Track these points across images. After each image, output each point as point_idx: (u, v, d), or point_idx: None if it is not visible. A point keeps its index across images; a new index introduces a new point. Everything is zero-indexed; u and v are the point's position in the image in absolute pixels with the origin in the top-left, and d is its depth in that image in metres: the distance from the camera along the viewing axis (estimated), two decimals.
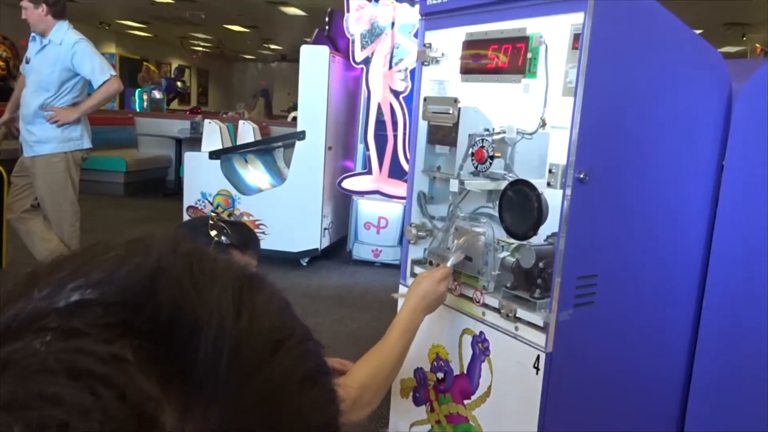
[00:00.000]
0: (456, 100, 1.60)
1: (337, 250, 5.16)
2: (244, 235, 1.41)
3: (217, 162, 4.75)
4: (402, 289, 1.74)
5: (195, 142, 6.62)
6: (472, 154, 1.57)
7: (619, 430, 1.58)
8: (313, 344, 0.35)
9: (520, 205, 1.42)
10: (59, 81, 3.51)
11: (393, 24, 4.47)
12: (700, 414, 1.61)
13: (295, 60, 4.68)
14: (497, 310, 1.48)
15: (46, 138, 3.53)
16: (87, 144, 3.68)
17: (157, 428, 0.24)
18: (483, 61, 1.60)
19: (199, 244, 0.32)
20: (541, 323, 1.38)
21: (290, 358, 0.32)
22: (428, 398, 1.73)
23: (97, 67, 3.52)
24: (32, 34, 3.55)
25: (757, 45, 9.32)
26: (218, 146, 4.90)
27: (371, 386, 1.30)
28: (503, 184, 1.51)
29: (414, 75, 1.92)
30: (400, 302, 1.57)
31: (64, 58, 3.48)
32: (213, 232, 1.32)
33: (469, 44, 1.65)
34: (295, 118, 5.94)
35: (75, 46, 3.48)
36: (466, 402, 1.59)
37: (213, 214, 1.50)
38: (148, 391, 0.25)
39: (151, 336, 0.26)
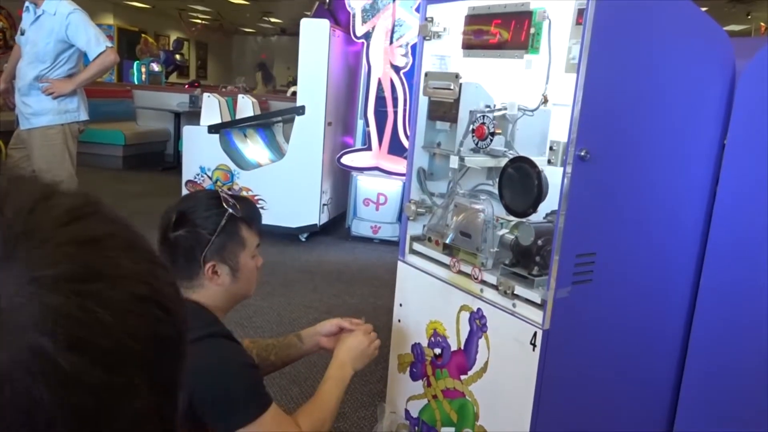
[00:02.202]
0: (457, 76, 1.59)
1: (335, 226, 5.16)
2: (251, 209, 1.41)
3: (216, 136, 4.72)
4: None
5: (194, 116, 6.58)
6: (473, 131, 1.56)
7: (614, 406, 1.59)
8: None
9: (520, 183, 1.42)
10: (55, 52, 3.47)
11: None
12: (693, 391, 1.63)
13: (295, 34, 4.63)
14: (495, 287, 1.49)
15: (43, 110, 3.50)
16: (84, 116, 3.64)
17: None
18: (485, 36, 1.58)
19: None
20: (538, 300, 1.39)
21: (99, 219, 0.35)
22: (425, 373, 1.74)
23: (93, 39, 3.47)
24: (26, 4, 3.49)
25: (762, 23, 9.23)
26: (217, 120, 4.87)
27: None
28: (503, 161, 1.50)
29: (415, 50, 1.90)
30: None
31: (58, 30, 3.43)
32: (225, 205, 1.32)
33: (472, 19, 1.63)
34: (294, 93, 5.89)
35: (69, 17, 3.43)
36: (462, 377, 1.60)
37: (220, 189, 1.50)
38: None
39: None
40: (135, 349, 0.32)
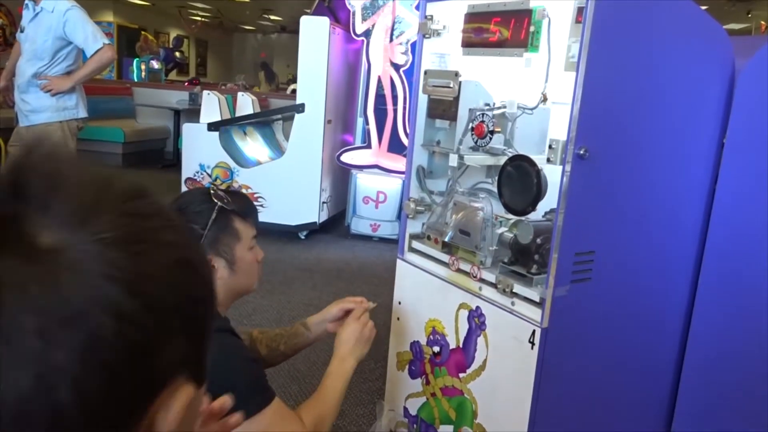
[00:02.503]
0: (457, 74, 1.59)
1: (335, 224, 5.16)
2: (243, 202, 1.42)
3: (216, 134, 4.72)
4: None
5: (193, 114, 6.57)
6: (472, 129, 1.56)
7: (613, 403, 1.60)
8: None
9: (519, 181, 1.42)
10: (53, 49, 3.46)
11: None
12: (692, 390, 1.63)
13: (295, 31, 4.62)
14: (494, 285, 1.49)
15: (41, 107, 3.50)
16: (83, 113, 3.64)
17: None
18: (485, 34, 1.58)
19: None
20: (537, 299, 1.39)
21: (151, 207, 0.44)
22: (424, 371, 1.74)
23: (90, 36, 3.46)
24: (26, 2, 3.49)
25: (762, 22, 9.22)
26: (217, 118, 4.86)
27: None
28: (503, 160, 1.50)
29: (415, 48, 1.90)
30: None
31: (56, 27, 3.43)
32: (215, 200, 1.33)
33: (471, 17, 1.62)
34: (294, 91, 5.89)
35: (66, 14, 3.42)
36: (461, 375, 1.60)
37: (212, 184, 1.50)
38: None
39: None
40: (176, 302, 0.42)
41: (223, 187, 1.47)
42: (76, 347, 0.35)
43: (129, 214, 0.41)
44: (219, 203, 1.33)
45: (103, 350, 0.36)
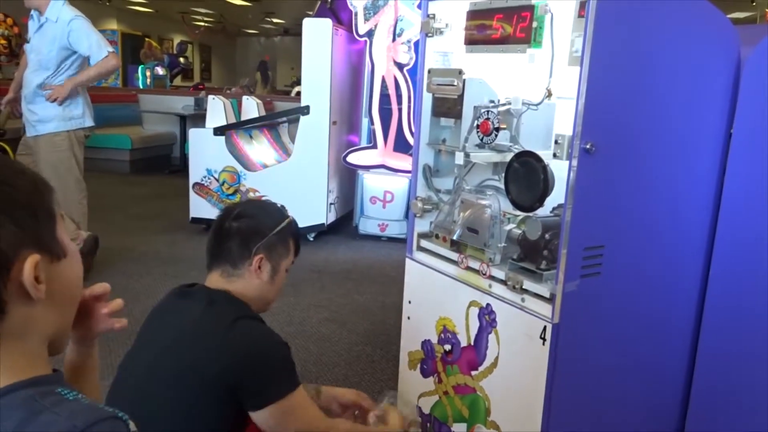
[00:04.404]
0: (461, 72, 1.59)
1: (343, 225, 5.17)
2: (299, 230, 1.55)
3: (222, 138, 4.74)
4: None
5: (199, 119, 6.59)
6: (478, 126, 1.56)
7: (626, 398, 1.59)
8: None
9: (526, 177, 1.42)
10: (58, 59, 3.48)
11: None
12: (706, 380, 1.62)
13: (298, 34, 4.63)
14: (504, 282, 1.49)
15: (48, 117, 3.52)
16: (89, 122, 3.65)
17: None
18: (488, 31, 1.58)
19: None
20: (547, 294, 1.39)
21: None
22: (436, 370, 1.74)
23: (95, 44, 3.48)
24: (31, 13, 3.52)
25: (767, 10, 9.15)
26: (222, 122, 4.87)
27: None
28: (509, 156, 1.50)
29: (418, 47, 1.90)
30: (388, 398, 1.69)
31: (60, 36, 3.45)
32: (286, 213, 1.50)
33: (474, 14, 1.62)
34: (299, 93, 5.89)
35: (71, 24, 3.44)
36: (473, 373, 1.61)
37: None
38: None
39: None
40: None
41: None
42: None
43: None
44: (290, 217, 1.49)
45: None
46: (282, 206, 1.53)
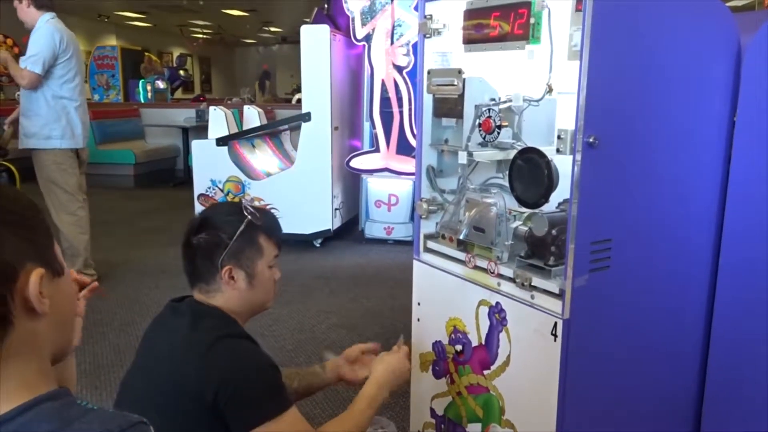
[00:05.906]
0: (460, 71, 1.59)
1: (349, 229, 5.17)
2: (272, 222, 1.46)
3: (225, 148, 4.76)
4: (327, 355, 1.81)
5: (201, 130, 6.63)
6: (479, 125, 1.56)
7: (639, 391, 1.58)
8: None
9: (530, 174, 1.41)
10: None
11: None
12: (720, 373, 1.61)
13: (296, 41, 4.64)
14: (512, 280, 1.48)
15: (29, 133, 3.63)
16: (67, 144, 3.65)
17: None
18: (485, 29, 1.58)
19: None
20: (557, 290, 1.38)
21: None
22: (448, 371, 1.74)
23: (33, 56, 3.51)
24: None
25: None
26: (224, 133, 4.89)
27: None
28: (512, 154, 1.50)
29: (416, 49, 1.90)
30: (327, 357, 1.73)
31: None
32: (245, 213, 1.38)
33: (471, 13, 1.62)
34: (299, 100, 5.91)
35: (38, 30, 3.54)
36: (485, 372, 1.60)
37: (245, 199, 1.57)
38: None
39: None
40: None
41: (236, 201, 1.51)
42: None
43: None
44: (249, 217, 1.37)
45: None
46: (244, 205, 1.41)
